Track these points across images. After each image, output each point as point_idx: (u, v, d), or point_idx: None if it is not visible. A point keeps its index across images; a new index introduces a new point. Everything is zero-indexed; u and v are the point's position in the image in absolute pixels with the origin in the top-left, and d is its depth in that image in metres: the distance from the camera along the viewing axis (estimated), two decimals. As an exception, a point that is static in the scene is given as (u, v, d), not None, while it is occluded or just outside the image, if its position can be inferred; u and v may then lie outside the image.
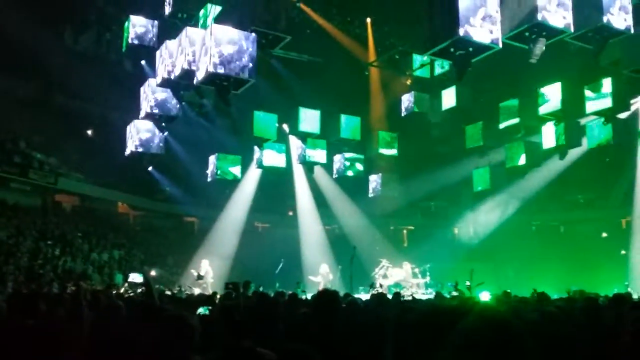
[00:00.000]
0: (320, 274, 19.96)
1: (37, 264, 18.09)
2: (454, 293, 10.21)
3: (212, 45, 11.56)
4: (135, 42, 15.12)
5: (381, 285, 18.25)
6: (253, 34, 11.91)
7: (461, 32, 10.82)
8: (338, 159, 21.82)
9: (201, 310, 4.94)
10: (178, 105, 15.49)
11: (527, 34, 11.52)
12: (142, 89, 15.92)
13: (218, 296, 10.02)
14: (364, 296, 12.96)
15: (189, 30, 12.66)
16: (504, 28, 11.45)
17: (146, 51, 15.00)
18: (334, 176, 22.43)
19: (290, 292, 10.08)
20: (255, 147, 21.02)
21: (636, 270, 18.17)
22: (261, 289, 13.04)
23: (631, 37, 12.90)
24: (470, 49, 11.39)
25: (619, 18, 11.88)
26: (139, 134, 17.50)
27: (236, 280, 8.67)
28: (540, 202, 24.85)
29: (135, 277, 15.05)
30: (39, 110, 21.31)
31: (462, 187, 24.43)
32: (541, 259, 22.26)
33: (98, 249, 21.10)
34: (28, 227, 20.09)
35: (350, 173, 21.63)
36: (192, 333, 2.71)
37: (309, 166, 21.89)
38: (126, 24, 15.87)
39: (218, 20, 12.92)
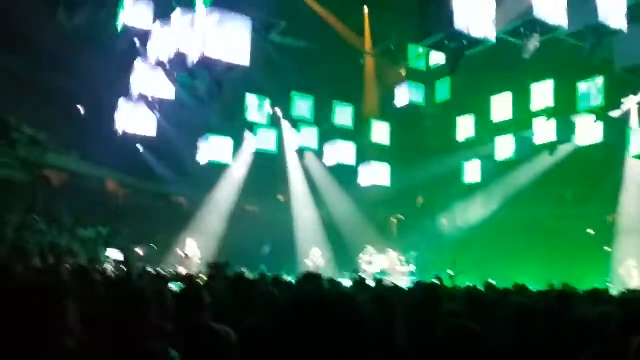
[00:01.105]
0: (311, 258, 20.23)
1: (23, 237, 18.10)
2: (435, 281, 10.34)
3: (206, 29, 11.52)
4: (129, 22, 14.99)
5: (364, 271, 18.46)
6: (248, 19, 11.87)
7: (456, 25, 10.87)
8: (330, 147, 21.88)
9: (173, 287, 5.04)
10: (171, 88, 15.44)
11: (522, 29, 11.60)
12: (134, 69, 15.84)
13: (202, 276, 10.10)
14: (348, 282, 13.08)
15: (183, 13, 12.58)
16: (499, 23, 11.50)
17: (140, 31, 14.88)
18: (325, 163, 22.49)
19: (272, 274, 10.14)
20: (247, 131, 21.03)
21: (618, 267, 18.42)
22: (244, 270, 13.13)
23: (625, 36, 13.00)
24: (465, 42, 11.44)
25: (613, 16, 11.95)
26: (130, 114, 17.45)
27: (226, 261, 8.79)
28: (528, 196, 25.06)
29: (114, 254, 15.10)
30: (30, 87, 21.11)
31: (452, 179, 24.57)
32: (526, 252, 22.47)
33: (85, 225, 21.13)
34: (16, 201, 20.05)
35: (341, 160, 21.72)
36: (153, 305, 2.82)
37: (300, 153, 21.95)
38: (121, 2, 15.73)
39: (212, 3, 12.84)
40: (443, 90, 20.67)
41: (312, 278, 4.95)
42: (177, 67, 13.12)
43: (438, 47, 11.85)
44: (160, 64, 13.51)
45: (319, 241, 22.47)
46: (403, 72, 21.08)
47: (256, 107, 20.48)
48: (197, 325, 3.41)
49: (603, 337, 3.53)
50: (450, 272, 13.95)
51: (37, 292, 2.26)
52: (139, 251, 20.58)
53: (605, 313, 3.91)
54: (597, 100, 17.30)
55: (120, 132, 17.18)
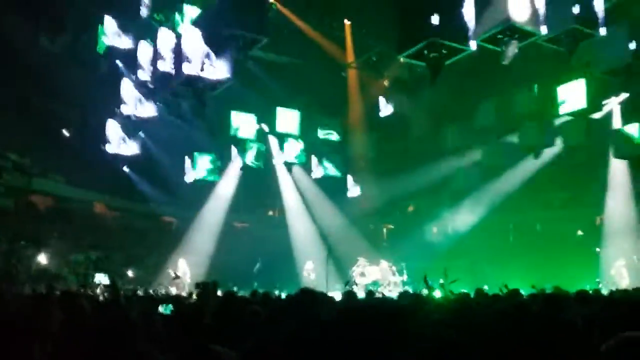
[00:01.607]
0: (305, 271, 20.21)
1: (11, 264, 17.91)
2: (424, 291, 10.30)
3: (188, 48, 11.55)
4: (111, 43, 15.02)
5: (356, 284, 18.39)
6: (228, 37, 11.93)
7: (434, 34, 11.00)
8: (316, 160, 21.93)
9: (161, 310, 4.97)
10: (154, 106, 15.43)
11: (499, 36, 11.74)
12: (119, 90, 15.85)
13: (194, 296, 10.00)
14: (339, 295, 13.03)
15: (165, 33, 12.62)
16: (477, 30, 11.64)
17: (122, 52, 14.90)
18: (312, 176, 22.52)
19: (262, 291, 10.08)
20: (233, 147, 21.04)
21: (607, 267, 18.53)
22: (235, 288, 13.06)
23: (602, 40, 13.21)
24: (444, 51, 11.57)
25: (589, 21, 12.15)
26: (116, 135, 17.38)
27: (214, 280, 8.73)
28: (516, 201, 25.21)
29: (102, 279, 14.98)
30: (13, 112, 21.02)
31: (440, 186, 24.67)
32: (518, 256, 22.54)
33: (74, 249, 20.93)
34: (2, 228, 19.84)
35: (329, 173, 21.79)
36: (141, 329, 2.76)
37: (287, 166, 21.98)
38: (101, 24, 15.75)
39: (194, 22, 12.89)
40: (426, 98, 20.84)
41: (308, 294, 4.91)
42: (160, 86, 13.13)
43: (418, 57, 11.95)
44: (143, 83, 13.50)
45: (313, 254, 22.41)
46: (386, 83, 21.21)
47: (241, 124, 20.52)
48: (196, 348, 3.34)
49: (589, 340, 3.56)
50: (441, 281, 13.91)
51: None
52: (129, 273, 20.42)
53: (589, 315, 3.95)
54: (579, 103, 17.50)
55: (106, 153, 17.10)
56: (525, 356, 3.40)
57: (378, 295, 8.85)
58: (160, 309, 5.18)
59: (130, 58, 14.47)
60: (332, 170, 21.84)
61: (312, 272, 20.39)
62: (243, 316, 4.62)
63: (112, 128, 17.25)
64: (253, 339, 3.78)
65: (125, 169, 20.03)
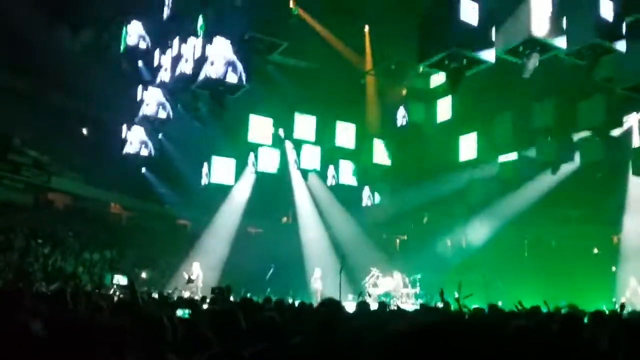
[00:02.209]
0: (313, 278, 20.13)
1: (27, 261, 18.08)
2: (440, 304, 10.20)
3: (208, 51, 11.65)
4: (133, 43, 15.20)
5: (370, 295, 18.26)
6: (249, 40, 12.02)
7: (456, 45, 10.98)
8: (332, 167, 21.92)
9: (180, 313, 4.96)
10: (173, 109, 15.56)
11: (521, 48, 11.68)
12: (138, 91, 15.99)
13: (208, 300, 10.00)
14: (351, 304, 12.96)
15: (185, 35, 12.75)
16: (498, 42, 11.60)
17: (143, 53, 15.07)
18: (328, 184, 22.50)
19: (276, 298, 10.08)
20: (250, 152, 21.11)
21: (624, 287, 18.21)
22: (249, 294, 13.04)
23: (624, 54, 13.07)
24: (465, 62, 11.54)
25: (611, 35, 12.04)
26: (134, 135, 17.53)
27: (228, 285, 8.75)
28: (532, 216, 24.95)
29: (120, 280, 15.05)
30: (34, 108, 21.32)
31: (455, 199, 24.48)
32: (532, 272, 22.28)
33: (89, 248, 21.07)
34: (19, 224, 20.07)
35: (344, 181, 21.74)
36: (165, 332, 2.72)
37: (303, 173, 21.99)
38: (125, 25, 15.95)
39: (215, 26, 13.01)
40: (444, 109, 20.75)
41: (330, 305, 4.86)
42: (180, 88, 13.25)
43: (438, 66, 11.93)
44: (162, 85, 13.62)
45: (324, 262, 22.35)
46: (404, 91, 21.17)
47: (259, 128, 20.60)
48: (230, 355, 3.27)
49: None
50: (456, 295, 13.75)
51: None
52: (143, 275, 20.50)
53: (612, 335, 3.86)
54: (598, 118, 17.31)
55: (124, 152, 17.26)
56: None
57: (393, 307, 8.76)
58: (179, 312, 5.17)
59: (151, 59, 14.62)
60: (347, 179, 21.79)
61: (319, 279, 20.28)
62: (261, 322, 4.59)
63: (131, 129, 17.41)
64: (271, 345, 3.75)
65: (143, 170, 20.17)
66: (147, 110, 15.34)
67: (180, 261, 21.72)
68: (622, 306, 10.52)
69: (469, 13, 11.25)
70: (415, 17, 12.74)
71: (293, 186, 24.03)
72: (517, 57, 11.80)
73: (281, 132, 21.89)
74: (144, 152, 18.06)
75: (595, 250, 24.47)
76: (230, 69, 11.68)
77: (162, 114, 15.54)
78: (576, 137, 18.60)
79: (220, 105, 12.33)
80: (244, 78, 11.74)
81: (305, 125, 21.23)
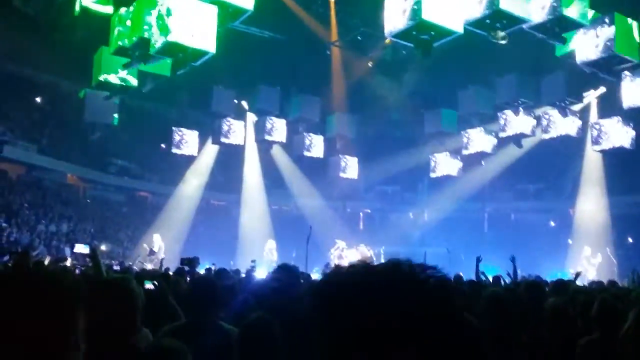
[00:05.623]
0: (266, 249, 20.08)
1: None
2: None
3: (170, 15, 11.21)
4: (89, 7, 14.46)
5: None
6: (214, 6, 11.61)
7: (424, 16, 10.85)
8: (297, 139, 21.71)
9: (148, 285, 4.80)
10: (132, 76, 15.01)
11: (487, 21, 11.65)
12: (95, 57, 15.36)
13: (170, 273, 9.77)
14: (317, 276, 12.96)
15: (146, -2, 12.21)
16: (465, 14, 11.53)
17: (100, 17, 14.38)
18: (293, 155, 22.33)
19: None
20: (214, 123, 20.72)
21: (578, 257, 18.81)
22: (214, 266, 12.89)
23: (586, 31, 13.23)
24: (432, 33, 11.44)
25: (577, 10, 12.13)
26: (92, 105, 16.93)
27: (195, 256, 8.58)
28: (493, 190, 25.48)
29: (81, 249, 14.61)
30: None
31: (419, 172, 24.71)
32: (492, 245, 22.82)
33: (45, 220, 20.41)
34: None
35: (309, 153, 21.57)
36: (138, 302, 2.54)
37: (267, 145, 21.72)
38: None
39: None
40: (409, 82, 20.72)
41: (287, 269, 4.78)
42: (139, 54, 12.73)
43: (406, 38, 11.81)
44: (122, 49, 13.08)
45: (271, 233, 22.25)
46: (370, 63, 20.97)
47: (221, 99, 20.19)
48: (208, 322, 3.35)
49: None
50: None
51: None
52: (103, 247, 20.02)
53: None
54: (559, 94, 17.58)
55: (80, 123, 16.64)
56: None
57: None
58: (148, 285, 5.00)
59: (107, 24, 13.97)
60: (312, 151, 21.65)
61: (274, 250, 20.29)
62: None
63: (88, 97, 16.76)
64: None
65: (101, 139, 19.54)
66: (106, 76, 14.73)
67: (142, 233, 21.34)
68: (577, 275, 10.91)
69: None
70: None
71: (245, 158, 23.68)
72: (484, 29, 11.78)
73: (244, 104, 21.52)
74: (102, 121, 17.43)
75: (552, 223, 25.25)
76: (194, 34, 11.28)
77: (120, 82, 14.93)
78: (537, 111, 18.91)
79: (182, 73, 11.94)
80: (208, 45, 11.36)
81: (269, 96, 20.91)
